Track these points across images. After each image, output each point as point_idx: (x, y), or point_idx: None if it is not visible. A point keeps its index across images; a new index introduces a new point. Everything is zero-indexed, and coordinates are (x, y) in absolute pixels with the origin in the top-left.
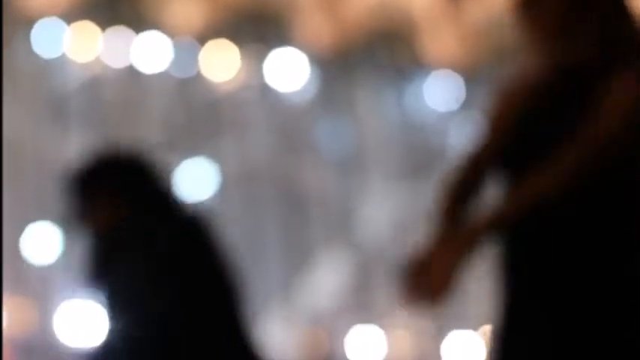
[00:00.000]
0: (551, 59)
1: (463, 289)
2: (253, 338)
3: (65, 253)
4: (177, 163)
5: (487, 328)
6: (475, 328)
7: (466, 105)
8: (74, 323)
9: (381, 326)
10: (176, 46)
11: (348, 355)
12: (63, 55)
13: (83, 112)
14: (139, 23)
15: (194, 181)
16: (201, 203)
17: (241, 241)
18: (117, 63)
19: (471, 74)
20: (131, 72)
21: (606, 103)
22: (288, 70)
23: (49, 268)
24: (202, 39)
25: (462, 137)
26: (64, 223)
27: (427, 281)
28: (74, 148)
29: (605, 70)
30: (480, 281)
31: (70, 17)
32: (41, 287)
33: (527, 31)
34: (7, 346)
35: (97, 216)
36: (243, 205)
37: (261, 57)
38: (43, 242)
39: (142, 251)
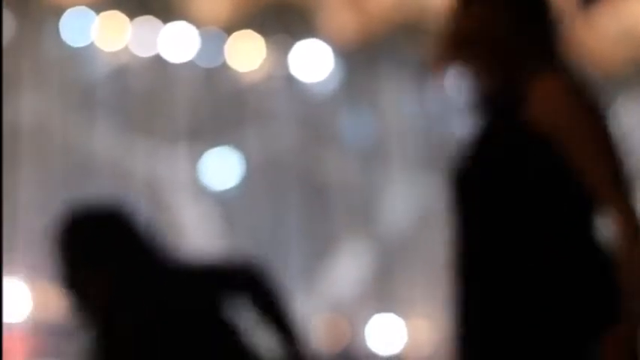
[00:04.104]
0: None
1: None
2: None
3: None
4: (203, 152)
5: None
6: None
7: None
8: None
9: (401, 315)
10: (202, 36)
11: (368, 343)
12: (91, 44)
13: (110, 101)
14: (166, 13)
15: (219, 170)
16: (226, 191)
17: (264, 230)
18: (144, 52)
19: None
20: (158, 61)
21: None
22: (313, 62)
23: None
24: (228, 30)
25: None
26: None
27: None
28: (101, 135)
29: (527, 81)
30: None
31: (98, 7)
32: None
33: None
34: (35, 330)
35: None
36: (266, 194)
37: (286, 48)
38: None
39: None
